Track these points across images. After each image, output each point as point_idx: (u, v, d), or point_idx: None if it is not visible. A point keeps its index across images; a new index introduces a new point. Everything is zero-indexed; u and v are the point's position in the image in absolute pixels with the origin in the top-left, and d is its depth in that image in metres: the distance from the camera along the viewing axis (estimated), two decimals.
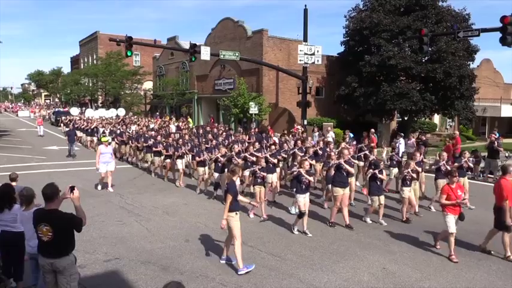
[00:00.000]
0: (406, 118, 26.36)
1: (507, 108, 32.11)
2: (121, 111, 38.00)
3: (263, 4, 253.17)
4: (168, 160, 14.33)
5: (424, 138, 18.09)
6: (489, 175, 15.15)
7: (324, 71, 29.53)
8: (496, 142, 15.12)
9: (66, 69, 78.31)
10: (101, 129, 22.13)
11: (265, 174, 10.43)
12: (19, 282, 5.81)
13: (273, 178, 11.62)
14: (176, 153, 13.93)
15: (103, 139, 13.75)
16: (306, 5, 24.35)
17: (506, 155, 15.95)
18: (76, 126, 25.82)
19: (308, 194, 9.11)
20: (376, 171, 9.58)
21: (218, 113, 33.82)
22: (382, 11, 24.87)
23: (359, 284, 6.54)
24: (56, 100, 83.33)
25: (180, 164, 13.87)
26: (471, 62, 26.74)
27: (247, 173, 11.81)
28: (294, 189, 9.17)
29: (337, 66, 28.48)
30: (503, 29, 13.63)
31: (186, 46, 26.78)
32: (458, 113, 25.96)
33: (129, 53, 20.17)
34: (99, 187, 12.88)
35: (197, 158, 12.82)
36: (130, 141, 17.89)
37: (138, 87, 47.05)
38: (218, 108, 33.16)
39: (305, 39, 24.52)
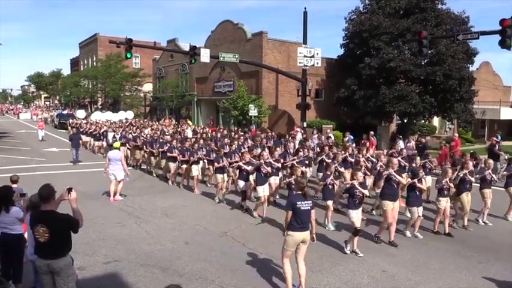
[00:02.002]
0: (405, 121, 26.41)
1: (506, 110, 32.14)
2: (130, 114, 37.32)
3: (263, 6, 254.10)
4: (183, 165, 13.62)
5: (424, 141, 18.06)
6: None
7: (324, 73, 29.57)
8: (497, 145, 15.11)
9: (66, 71, 78.21)
10: (111, 134, 19.96)
11: None
12: (18, 284, 5.79)
13: None
14: (192, 158, 13.13)
15: (115, 145, 13.03)
16: (305, 8, 24.66)
17: (506, 157, 15.91)
18: (82, 130, 23.73)
19: (361, 209, 8.15)
20: (415, 180, 8.78)
21: (218, 115, 33.86)
22: (381, 14, 24.93)
23: (358, 286, 6.53)
24: (56, 102, 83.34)
25: (195, 170, 13.11)
26: (470, 65, 26.84)
27: (272, 180, 11.08)
28: (345, 206, 8.43)
29: (337, 69, 28.51)
30: (503, 32, 13.66)
31: (186, 48, 26.83)
32: (458, 115, 25.99)
33: (128, 55, 20.16)
34: (122, 197, 11.98)
35: (216, 164, 11.96)
36: (144, 147, 16.52)
37: (138, 89, 47.05)
38: (218, 110, 33.23)
39: (305, 42, 24.57)
